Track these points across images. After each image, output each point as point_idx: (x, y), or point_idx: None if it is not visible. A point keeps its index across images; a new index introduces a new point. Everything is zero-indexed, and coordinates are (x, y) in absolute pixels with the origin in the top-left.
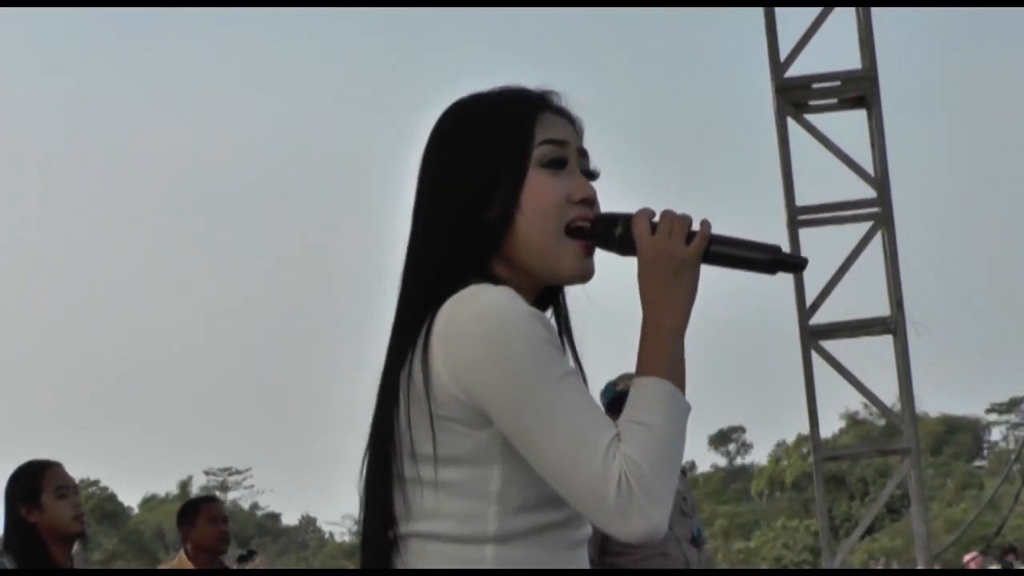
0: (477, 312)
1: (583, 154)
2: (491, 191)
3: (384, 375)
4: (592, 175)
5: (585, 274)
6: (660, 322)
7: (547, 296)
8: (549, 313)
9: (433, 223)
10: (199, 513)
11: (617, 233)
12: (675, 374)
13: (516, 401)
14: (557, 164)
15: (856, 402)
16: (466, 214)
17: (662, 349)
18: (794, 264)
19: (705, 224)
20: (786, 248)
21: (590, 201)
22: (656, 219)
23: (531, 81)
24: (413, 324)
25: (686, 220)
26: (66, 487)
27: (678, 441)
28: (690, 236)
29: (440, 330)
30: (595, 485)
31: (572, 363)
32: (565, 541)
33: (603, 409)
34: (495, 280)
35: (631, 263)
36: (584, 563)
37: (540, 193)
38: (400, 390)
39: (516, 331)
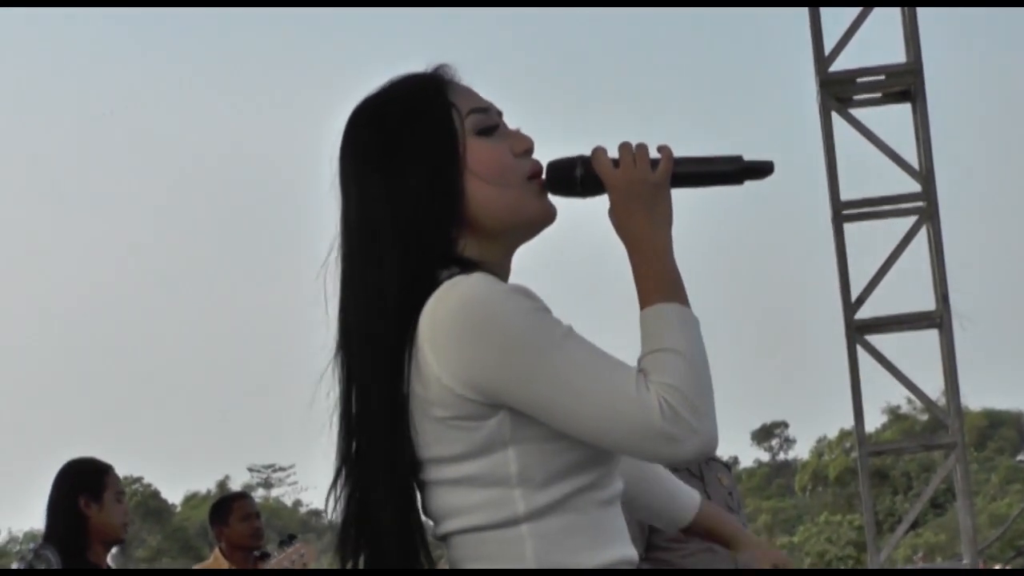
0: (459, 305)
1: (500, 113)
2: (439, 175)
3: (377, 389)
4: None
5: (550, 215)
6: (649, 248)
7: None
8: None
9: (384, 225)
10: (231, 511)
11: (578, 175)
12: (678, 294)
13: (529, 378)
14: (490, 130)
15: (898, 396)
16: (416, 206)
17: (659, 274)
18: (760, 169)
19: (666, 147)
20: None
21: (531, 150)
22: (612, 154)
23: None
24: (396, 332)
25: (645, 147)
26: (122, 493)
27: (702, 354)
28: (653, 163)
29: (427, 334)
30: (637, 421)
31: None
32: (596, 502)
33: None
34: (467, 263)
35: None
36: (619, 518)
37: (491, 158)
38: (402, 401)
39: (503, 312)
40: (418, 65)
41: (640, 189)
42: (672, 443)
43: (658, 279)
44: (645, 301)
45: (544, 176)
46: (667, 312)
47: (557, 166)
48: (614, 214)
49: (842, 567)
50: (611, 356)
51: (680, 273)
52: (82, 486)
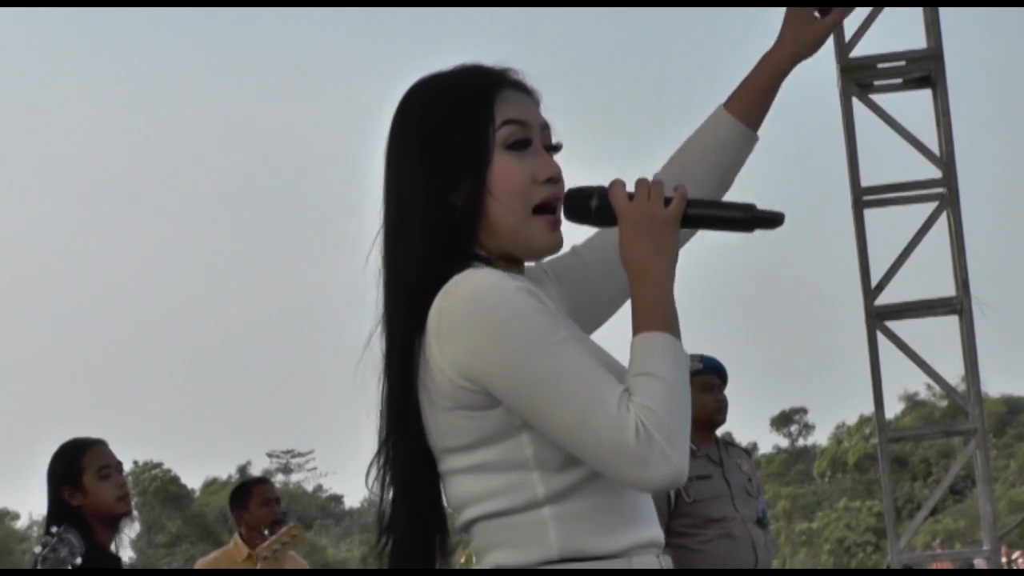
0: (464, 298)
1: (545, 127)
2: (456, 175)
3: (399, 380)
4: (555, 148)
5: (555, 246)
6: (651, 280)
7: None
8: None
9: (404, 211)
10: (251, 496)
11: (593, 205)
12: (672, 326)
13: (519, 378)
14: (521, 145)
15: (917, 383)
16: (433, 199)
17: (656, 304)
18: (771, 220)
19: (681, 187)
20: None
21: (555, 179)
22: (629, 188)
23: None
24: (408, 325)
25: (661, 184)
26: (108, 467)
27: (686, 388)
28: (667, 201)
29: (433, 325)
30: (612, 438)
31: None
32: (618, 484)
33: None
34: (480, 261)
35: None
36: (642, 499)
37: (507, 177)
38: (418, 391)
39: (505, 310)
40: (481, 59)
41: (649, 223)
42: (642, 466)
43: (654, 309)
44: (638, 328)
45: (563, 202)
46: (658, 340)
47: (575, 194)
48: (621, 244)
49: (861, 553)
50: (601, 370)
51: (676, 308)
52: (61, 477)
